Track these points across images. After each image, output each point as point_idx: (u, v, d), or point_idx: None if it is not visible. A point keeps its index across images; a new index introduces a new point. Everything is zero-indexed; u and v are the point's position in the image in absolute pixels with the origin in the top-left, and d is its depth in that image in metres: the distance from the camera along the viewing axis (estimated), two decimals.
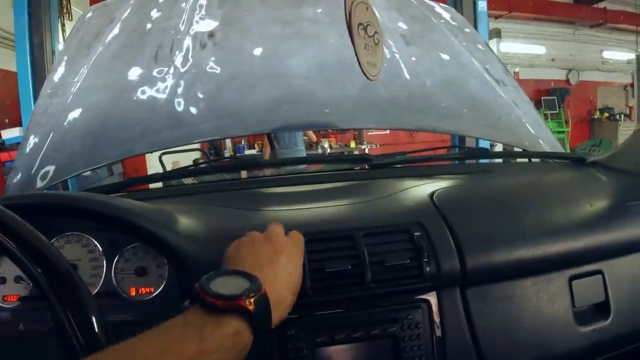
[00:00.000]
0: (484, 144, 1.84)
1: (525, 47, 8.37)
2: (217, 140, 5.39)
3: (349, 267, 0.61)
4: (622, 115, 9.20)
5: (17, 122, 4.68)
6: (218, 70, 1.25)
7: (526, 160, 1.31)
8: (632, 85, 9.64)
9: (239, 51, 1.25)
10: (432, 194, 0.78)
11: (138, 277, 0.68)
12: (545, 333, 0.68)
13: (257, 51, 1.25)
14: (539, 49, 8.53)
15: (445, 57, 1.49)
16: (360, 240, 0.64)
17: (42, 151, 1.20)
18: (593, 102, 9.61)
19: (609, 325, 0.72)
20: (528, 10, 8.00)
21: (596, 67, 9.47)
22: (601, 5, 8.64)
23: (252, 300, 0.45)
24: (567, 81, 9.06)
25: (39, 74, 3.97)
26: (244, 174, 1.32)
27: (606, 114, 9.18)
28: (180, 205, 0.71)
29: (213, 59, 1.25)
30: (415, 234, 0.66)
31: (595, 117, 9.29)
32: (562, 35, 8.87)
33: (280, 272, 0.52)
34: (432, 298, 0.65)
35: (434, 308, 0.64)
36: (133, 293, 0.67)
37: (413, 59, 1.41)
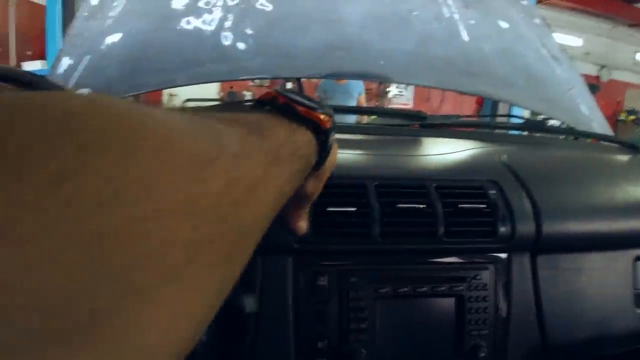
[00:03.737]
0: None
1: (561, 37, 8.09)
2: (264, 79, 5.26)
3: (420, 217, 0.57)
4: None
5: (39, 55, 4.64)
6: (269, 8, 1.18)
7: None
8: None
9: None
10: (501, 156, 0.73)
11: None
12: (606, 311, 0.66)
13: None
14: (575, 41, 8.24)
15: (504, 25, 1.41)
16: (433, 191, 0.59)
17: (77, 73, 1.16)
18: (620, 103, 9.37)
19: None
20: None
21: (628, 68, 9.20)
22: None
23: (329, 117, 0.38)
24: (598, 78, 8.82)
25: (68, 6, 3.90)
26: None
27: (632, 117, 8.96)
28: None
29: None
30: (490, 192, 0.62)
31: (621, 118, 9.07)
32: (599, 30, 8.56)
33: None
34: (501, 261, 0.61)
35: (503, 271, 0.60)
36: None
37: (471, 22, 1.33)
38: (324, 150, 0.39)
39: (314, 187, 0.42)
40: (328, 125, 0.38)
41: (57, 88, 0.37)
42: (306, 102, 0.38)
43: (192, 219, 0.19)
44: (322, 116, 0.38)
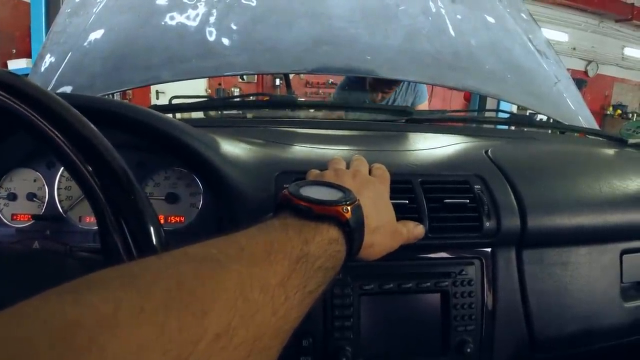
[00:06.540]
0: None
1: (548, 32, 8.13)
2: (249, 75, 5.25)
3: (405, 213, 0.56)
4: (635, 115, 9.06)
5: (24, 54, 4.57)
6: (254, 3, 1.17)
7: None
8: None
9: None
10: (486, 151, 0.73)
11: (168, 204, 0.63)
12: (592, 305, 0.66)
13: None
14: (561, 36, 8.30)
15: (490, 19, 1.42)
16: (417, 186, 0.59)
17: (59, 71, 1.14)
18: (607, 98, 9.46)
19: None
20: None
21: (615, 63, 9.28)
22: (629, 0, 8.37)
23: (349, 207, 0.39)
24: (586, 73, 8.88)
25: (53, 4, 3.84)
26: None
27: (619, 111, 9.04)
28: (219, 133, 0.65)
29: None
30: (476, 186, 0.61)
31: (608, 112, 9.15)
32: (586, 26, 8.63)
33: (368, 205, 0.44)
34: (487, 255, 0.60)
35: (489, 266, 0.60)
36: (161, 221, 0.62)
37: (458, 16, 1.33)
38: (351, 240, 0.40)
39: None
40: (348, 216, 0.39)
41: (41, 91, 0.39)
42: (320, 198, 0.39)
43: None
44: (340, 208, 0.39)
